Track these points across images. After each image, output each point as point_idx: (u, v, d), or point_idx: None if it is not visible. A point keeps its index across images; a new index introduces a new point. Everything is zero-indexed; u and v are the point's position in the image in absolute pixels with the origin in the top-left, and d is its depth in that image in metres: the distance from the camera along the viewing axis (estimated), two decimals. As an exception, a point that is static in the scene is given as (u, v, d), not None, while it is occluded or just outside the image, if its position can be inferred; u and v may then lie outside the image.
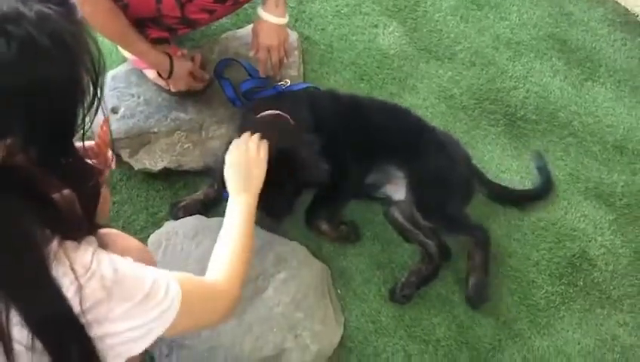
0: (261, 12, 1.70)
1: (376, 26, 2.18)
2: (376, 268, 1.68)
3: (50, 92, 0.75)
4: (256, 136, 1.40)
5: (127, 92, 1.80)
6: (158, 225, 1.64)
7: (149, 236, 1.59)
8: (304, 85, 1.83)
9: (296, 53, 1.98)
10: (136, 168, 1.71)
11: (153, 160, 1.71)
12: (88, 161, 1.10)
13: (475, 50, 2.19)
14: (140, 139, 1.73)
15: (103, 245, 0.86)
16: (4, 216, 0.75)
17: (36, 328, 0.76)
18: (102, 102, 0.83)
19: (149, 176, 1.73)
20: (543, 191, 1.88)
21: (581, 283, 1.75)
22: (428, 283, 1.65)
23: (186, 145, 1.74)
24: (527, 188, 1.89)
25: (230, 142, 1.41)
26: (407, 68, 2.10)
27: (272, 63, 1.76)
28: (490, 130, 2.00)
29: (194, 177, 1.74)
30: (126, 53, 1.80)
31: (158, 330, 0.87)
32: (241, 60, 1.84)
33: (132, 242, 1.15)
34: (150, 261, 1.10)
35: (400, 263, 1.69)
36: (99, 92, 0.82)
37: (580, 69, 2.22)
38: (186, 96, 1.81)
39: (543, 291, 1.72)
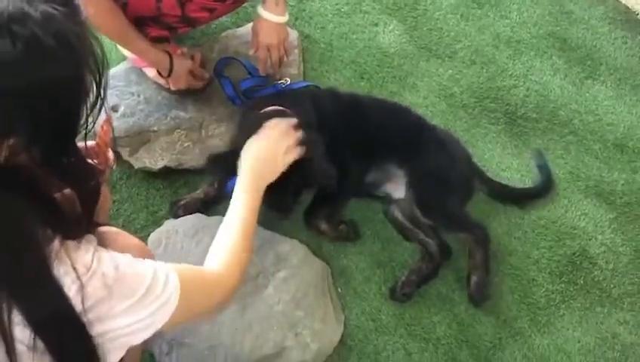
0: (261, 10, 1.70)
1: (376, 25, 2.18)
2: (377, 267, 1.68)
3: (54, 92, 0.76)
4: (292, 137, 1.36)
5: (126, 90, 1.80)
6: (158, 223, 1.64)
7: (149, 235, 1.59)
8: (304, 84, 1.83)
9: (296, 51, 1.98)
10: (136, 167, 1.71)
11: (153, 158, 1.71)
12: (89, 160, 1.10)
13: (475, 49, 2.19)
14: (140, 138, 1.73)
15: (104, 243, 0.86)
16: (7, 216, 0.76)
17: (38, 327, 0.77)
18: (104, 102, 0.84)
19: (149, 174, 1.73)
20: (543, 190, 1.88)
21: (581, 282, 1.75)
22: (428, 282, 1.65)
23: (186, 144, 1.74)
24: (527, 186, 1.89)
25: (260, 124, 1.37)
26: (407, 66, 2.10)
27: (272, 62, 1.76)
28: (491, 128, 2.00)
29: (194, 176, 1.74)
30: (126, 52, 1.80)
31: (158, 322, 0.88)
32: (241, 59, 1.84)
33: (132, 240, 1.15)
34: (150, 259, 1.10)
35: (400, 262, 1.69)
36: (102, 92, 0.83)
37: (580, 68, 2.22)
38: (185, 95, 1.81)
39: (544, 289, 1.72)
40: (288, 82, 1.77)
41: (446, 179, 1.70)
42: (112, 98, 1.76)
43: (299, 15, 2.14)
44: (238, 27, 2.03)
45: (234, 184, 1.28)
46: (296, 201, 1.53)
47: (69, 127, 0.81)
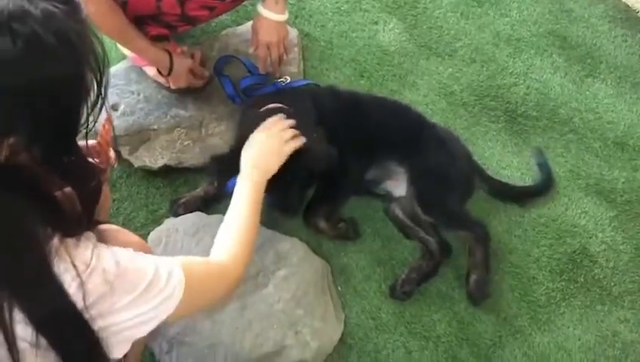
0: (261, 9, 1.69)
1: (376, 23, 2.18)
2: (377, 265, 1.68)
3: (54, 90, 0.75)
4: (291, 131, 1.40)
5: (126, 89, 1.80)
6: (158, 222, 1.64)
7: (149, 233, 1.59)
8: (304, 82, 1.83)
9: (296, 49, 1.98)
10: (136, 165, 1.71)
11: (153, 157, 1.71)
12: (90, 159, 1.10)
13: (475, 47, 2.19)
14: (140, 137, 1.73)
15: (104, 241, 0.86)
16: (7, 215, 0.75)
17: (40, 325, 0.77)
18: (105, 101, 0.84)
19: (149, 173, 1.73)
20: (543, 188, 1.88)
21: (582, 280, 1.75)
22: (428, 280, 1.65)
23: (186, 142, 1.74)
24: (527, 184, 1.89)
25: (262, 120, 1.41)
26: (407, 64, 2.09)
27: (272, 60, 1.76)
28: (491, 126, 2.00)
29: (194, 174, 1.74)
30: (125, 51, 1.80)
31: (162, 316, 0.88)
32: (241, 57, 1.83)
33: (133, 238, 1.15)
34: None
35: (400, 260, 1.69)
36: (103, 91, 0.82)
37: (580, 66, 2.22)
38: (185, 93, 1.80)
39: (544, 287, 1.72)
40: (288, 80, 1.77)
41: (446, 177, 1.70)
42: (112, 97, 1.76)
43: (299, 13, 2.14)
44: (238, 25, 2.03)
45: (234, 183, 1.29)
46: (302, 200, 1.54)
47: (69, 125, 0.81)
